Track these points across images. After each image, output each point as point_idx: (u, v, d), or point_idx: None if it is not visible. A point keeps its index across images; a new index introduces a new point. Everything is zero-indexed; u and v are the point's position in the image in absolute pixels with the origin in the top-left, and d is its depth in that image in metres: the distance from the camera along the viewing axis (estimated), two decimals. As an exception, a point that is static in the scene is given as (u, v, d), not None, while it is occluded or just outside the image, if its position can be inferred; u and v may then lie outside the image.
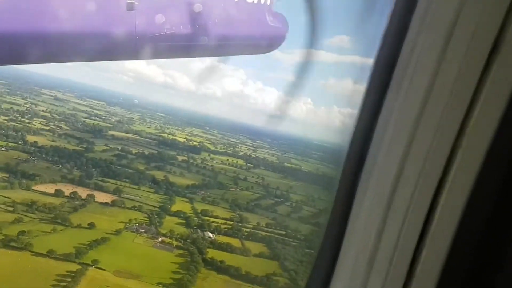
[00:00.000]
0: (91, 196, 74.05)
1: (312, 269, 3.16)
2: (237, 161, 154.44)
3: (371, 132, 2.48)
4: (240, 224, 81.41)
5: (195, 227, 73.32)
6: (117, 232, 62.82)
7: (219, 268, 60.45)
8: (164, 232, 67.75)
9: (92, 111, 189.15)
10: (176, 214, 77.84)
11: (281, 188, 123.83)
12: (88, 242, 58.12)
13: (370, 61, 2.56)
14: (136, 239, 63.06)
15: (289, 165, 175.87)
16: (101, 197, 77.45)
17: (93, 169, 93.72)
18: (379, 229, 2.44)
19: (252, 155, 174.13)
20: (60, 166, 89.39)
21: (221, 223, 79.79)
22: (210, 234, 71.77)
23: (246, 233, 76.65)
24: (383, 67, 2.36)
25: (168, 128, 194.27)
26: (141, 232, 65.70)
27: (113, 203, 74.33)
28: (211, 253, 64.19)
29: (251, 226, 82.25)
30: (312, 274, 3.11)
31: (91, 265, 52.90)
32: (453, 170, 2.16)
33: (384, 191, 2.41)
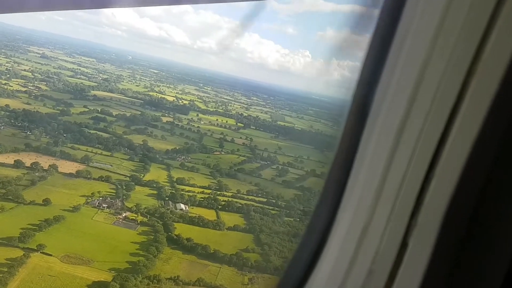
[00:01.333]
0: (53, 167, 67.46)
1: (315, 210, 3.03)
2: (227, 121, 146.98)
3: (374, 85, 2.41)
4: (218, 192, 75.15)
5: (166, 199, 67.07)
6: (75, 209, 56.45)
7: (185, 247, 54.37)
8: (130, 206, 61.52)
9: (79, 69, 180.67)
10: (148, 184, 71.47)
11: (269, 150, 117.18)
12: (39, 222, 51.87)
13: (370, 11, 2.62)
14: (96, 215, 56.86)
15: (282, 123, 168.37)
16: (66, 167, 70.94)
17: (64, 135, 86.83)
18: (386, 163, 2.39)
19: (244, 114, 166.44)
20: (28, 133, 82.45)
21: (197, 192, 73.53)
22: (183, 206, 65.59)
23: (223, 203, 70.48)
24: (389, 18, 2.32)
25: (158, 86, 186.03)
26: (104, 207, 59.47)
27: (78, 174, 67.84)
28: (179, 229, 58.05)
29: (230, 194, 76.00)
30: (316, 211, 3.01)
31: (36, 250, 46.70)
32: (462, 112, 2.16)
33: (388, 141, 2.38)
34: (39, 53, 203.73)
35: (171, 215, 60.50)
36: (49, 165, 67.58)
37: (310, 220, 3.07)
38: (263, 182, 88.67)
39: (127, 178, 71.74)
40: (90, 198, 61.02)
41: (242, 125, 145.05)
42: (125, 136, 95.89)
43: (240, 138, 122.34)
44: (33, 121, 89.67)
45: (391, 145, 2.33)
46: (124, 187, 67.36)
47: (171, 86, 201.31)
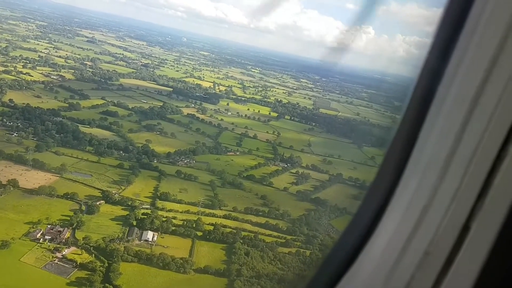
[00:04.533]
0: (13, 182, 55.98)
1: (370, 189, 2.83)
2: (259, 110, 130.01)
3: (444, 61, 2.24)
4: (207, 211, 60.37)
5: (134, 224, 53.50)
6: (3, 245, 44.37)
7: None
8: (80, 237, 48.57)
9: (122, 54, 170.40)
10: (122, 201, 58.28)
11: (295, 147, 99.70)
12: None
13: None
14: (28, 255, 44.51)
15: (324, 111, 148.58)
16: (35, 179, 59.41)
17: (56, 135, 75.69)
18: (455, 139, 2.19)
19: (284, 100, 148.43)
20: (15, 134, 71.91)
21: (181, 211, 59.24)
22: (150, 236, 51.75)
23: (206, 229, 55.77)
24: None
25: (200, 71, 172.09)
26: (45, 239, 47.01)
27: (40, 190, 55.92)
28: (127, 274, 44.27)
29: (222, 213, 60.98)
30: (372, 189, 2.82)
31: None
32: None
33: (459, 116, 2.17)
34: (88, 37, 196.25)
35: (124, 253, 46.79)
36: (9, 180, 56.13)
37: (367, 193, 2.84)
38: (272, 193, 72.69)
39: (99, 194, 58.93)
40: (34, 227, 48.80)
41: (276, 114, 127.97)
42: (128, 135, 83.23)
43: (267, 132, 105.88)
44: (29, 119, 79.23)
45: (462, 119, 2.11)
46: (86, 208, 54.63)
47: (215, 69, 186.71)
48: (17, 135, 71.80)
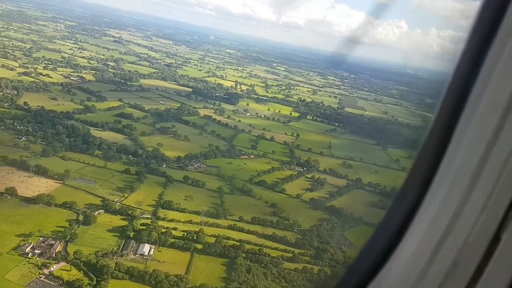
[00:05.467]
0: (11, 191, 53.94)
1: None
2: (279, 110, 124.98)
3: (482, 57, 2.11)
4: (211, 221, 56.69)
5: (131, 236, 50.44)
6: (-10, 260, 42.15)
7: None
8: (72, 251, 45.80)
9: (147, 54, 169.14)
10: (122, 211, 55.40)
11: (313, 149, 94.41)
12: None
13: None
14: (14, 271, 42.04)
15: (350, 110, 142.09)
16: (35, 186, 57.37)
17: (65, 139, 73.82)
18: (489, 143, 2.09)
19: (308, 99, 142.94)
20: (23, 139, 70.33)
21: (183, 222, 55.78)
22: (146, 249, 48.54)
23: (207, 241, 52.09)
24: None
25: (223, 70, 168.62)
26: (35, 254, 44.51)
27: (38, 199, 53.67)
28: (115, 294, 41.12)
29: (226, 224, 57.12)
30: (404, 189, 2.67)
31: None
32: None
33: (493, 118, 2.07)
34: (115, 37, 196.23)
35: (115, 269, 43.65)
36: (7, 188, 54.14)
37: (395, 198, 2.71)
38: (283, 201, 68.26)
39: (100, 202, 56.23)
40: (25, 240, 46.39)
41: (297, 114, 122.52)
42: (140, 138, 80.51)
43: (285, 134, 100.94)
44: (40, 122, 77.73)
45: (497, 123, 2.01)
46: (84, 218, 51.93)
47: (239, 68, 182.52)
48: (25, 139, 70.21)
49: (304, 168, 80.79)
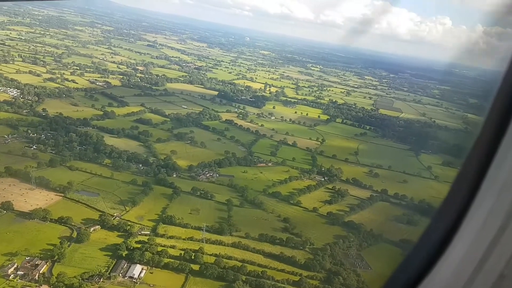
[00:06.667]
0: (7, 205, 51.52)
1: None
2: (307, 113, 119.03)
3: None
4: (213, 238, 51.98)
5: (123, 255, 46.62)
6: (-34, 283, 39.56)
7: None
8: (56, 273, 42.47)
9: (178, 58, 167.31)
10: (119, 227, 51.61)
11: (338, 156, 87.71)
12: None
13: None
14: (-10, 294, 39.27)
15: (384, 112, 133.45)
16: (34, 199, 54.79)
17: (77, 147, 71.52)
18: None
19: (340, 101, 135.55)
20: (33, 147, 68.51)
21: (182, 239, 51.41)
22: (137, 271, 44.54)
23: (207, 261, 47.49)
24: None
25: (254, 72, 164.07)
26: (17, 275, 41.53)
27: (34, 214, 50.95)
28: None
29: (230, 241, 52.17)
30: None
31: None
32: None
33: None
34: (149, 41, 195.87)
35: (98, 295, 39.94)
36: (2, 203, 51.80)
37: (439, 209, 2.59)
38: (296, 215, 62.66)
39: (97, 217, 52.85)
40: (11, 260, 43.53)
41: (326, 117, 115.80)
42: (155, 145, 77.15)
43: (309, 139, 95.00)
44: (54, 130, 75.83)
45: None
46: (78, 235, 48.65)
47: (271, 69, 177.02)
48: (35, 147, 68.38)
49: (325, 178, 74.72)
